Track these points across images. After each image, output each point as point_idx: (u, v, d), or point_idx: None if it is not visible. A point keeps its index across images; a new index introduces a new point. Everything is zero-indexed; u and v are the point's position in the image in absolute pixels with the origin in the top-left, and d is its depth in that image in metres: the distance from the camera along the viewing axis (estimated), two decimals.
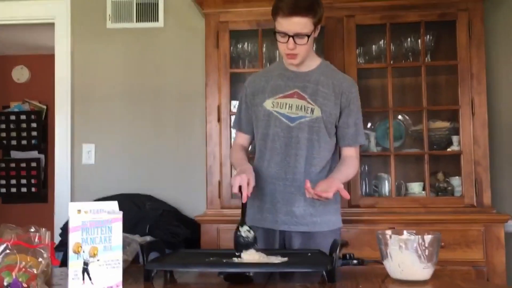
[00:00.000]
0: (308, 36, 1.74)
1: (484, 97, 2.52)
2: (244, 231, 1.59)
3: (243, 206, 1.65)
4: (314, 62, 1.89)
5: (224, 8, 2.64)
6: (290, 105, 1.83)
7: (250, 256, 1.44)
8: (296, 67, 1.86)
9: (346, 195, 1.67)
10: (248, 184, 1.68)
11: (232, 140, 2.64)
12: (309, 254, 1.53)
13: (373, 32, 2.70)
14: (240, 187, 1.67)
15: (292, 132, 1.83)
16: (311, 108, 1.82)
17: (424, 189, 2.60)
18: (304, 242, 1.82)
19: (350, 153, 1.90)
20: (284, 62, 1.90)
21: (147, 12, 3.05)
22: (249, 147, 2.02)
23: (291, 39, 1.73)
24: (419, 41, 2.63)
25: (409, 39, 2.68)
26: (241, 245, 1.55)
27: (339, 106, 1.84)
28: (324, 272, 1.28)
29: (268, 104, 1.86)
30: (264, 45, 2.70)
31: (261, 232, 1.85)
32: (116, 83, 3.08)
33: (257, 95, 1.90)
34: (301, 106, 1.83)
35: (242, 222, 1.62)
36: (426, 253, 1.27)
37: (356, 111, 1.88)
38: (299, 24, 1.71)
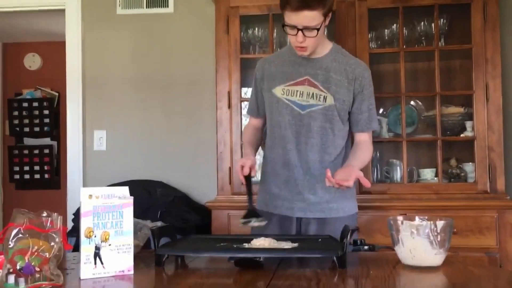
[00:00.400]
0: (318, 29, 1.69)
1: (499, 82, 2.47)
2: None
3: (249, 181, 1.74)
4: (326, 48, 1.84)
5: None
6: (301, 93, 1.81)
7: (260, 242, 1.44)
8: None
9: (366, 183, 1.64)
10: (243, 167, 1.73)
11: (243, 126, 2.64)
12: (320, 239, 1.52)
13: (385, 16, 2.66)
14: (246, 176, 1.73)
15: (304, 120, 1.81)
16: (324, 96, 1.80)
17: (436, 175, 2.57)
18: (321, 228, 1.82)
19: (364, 138, 1.87)
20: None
21: None
22: (263, 128, 2.01)
23: (300, 32, 1.69)
24: (433, 24, 2.58)
25: (422, 23, 2.63)
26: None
27: (352, 92, 1.81)
28: (335, 258, 1.27)
29: (279, 91, 1.84)
30: (275, 30, 2.67)
31: (277, 219, 1.86)
32: (127, 69, 3.08)
33: (268, 81, 1.88)
34: (313, 94, 1.80)
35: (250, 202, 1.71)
36: (438, 239, 1.26)
37: (369, 96, 1.85)
38: (308, 17, 1.66)
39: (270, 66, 1.90)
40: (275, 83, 1.85)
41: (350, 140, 1.91)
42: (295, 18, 1.67)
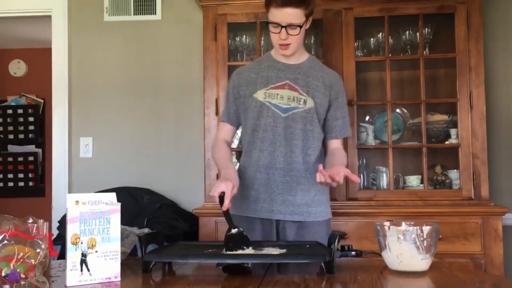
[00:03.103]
0: (300, 27, 1.77)
1: (482, 90, 2.52)
2: (236, 232, 1.49)
3: (227, 214, 1.56)
4: (303, 55, 1.93)
5: (222, 1, 2.62)
6: (282, 96, 1.86)
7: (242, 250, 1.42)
8: (286, 59, 1.89)
9: (356, 178, 1.66)
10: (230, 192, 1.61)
11: None
12: (308, 245, 1.53)
13: (371, 24, 2.70)
14: (221, 195, 1.59)
15: (285, 122, 1.85)
16: (304, 99, 1.85)
17: (422, 182, 2.60)
18: (299, 232, 1.85)
19: (338, 145, 1.94)
20: (273, 54, 1.94)
21: (144, 4, 3.03)
22: (232, 140, 2.02)
23: (283, 29, 1.77)
24: (418, 33, 2.62)
25: (407, 32, 2.67)
26: (234, 243, 1.45)
27: (329, 98, 1.89)
28: (322, 264, 1.28)
29: (260, 95, 1.88)
30: (262, 38, 2.69)
31: (257, 223, 1.87)
32: (114, 76, 3.07)
33: (247, 87, 1.91)
34: (293, 97, 1.86)
35: (232, 226, 1.51)
36: (425, 244, 1.27)
37: (343, 104, 1.93)
38: (292, 14, 1.74)
39: (250, 73, 1.93)
40: (256, 87, 1.89)
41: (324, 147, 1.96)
42: (279, 15, 1.75)
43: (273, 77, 1.88)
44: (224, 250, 1.42)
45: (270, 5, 1.76)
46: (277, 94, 1.86)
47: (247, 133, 1.93)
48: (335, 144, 1.93)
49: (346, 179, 1.70)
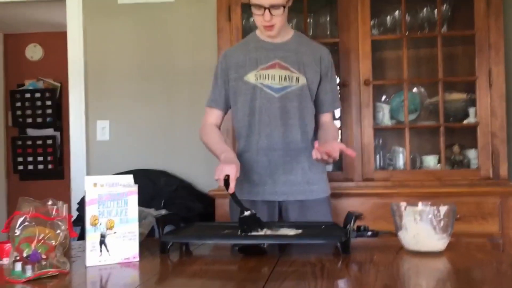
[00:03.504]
0: (284, 7, 1.76)
1: (502, 68, 2.46)
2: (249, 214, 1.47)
3: (234, 196, 1.56)
4: (288, 33, 1.92)
5: None
6: (273, 76, 1.85)
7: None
8: (272, 39, 1.88)
9: (352, 153, 1.66)
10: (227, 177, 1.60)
11: None
12: (323, 226, 1.53)
13: (387, 2, 2.64)
14: (225, 178, 1.58)
15: (280, 102, 1.85)
16: (296, 77, 1.85)
17: (439, 162, 2.57)
18: (301, 211, 1.86)
19: (329, 119, 1.95)
20: (258, 34, 1.92)
21: None
22: (220, 125, 2.00)
23: (267, 11, 1.75)
24: (435, 11, 2.56)
25: (425, 9, 2.61)
26: (248, 225, 1.44)
27: (319, 73, 1.89)
28: (338, 244, 1.28)
29: (251, 77, 1.86)
30: None
31: (261, 205, 1.87)
32: (129, 59, 3.07)
33: (236, 70, 1.89)
34: (285, 76, 1.85)
35: (244, 209, 1.49)
36: (441, 224, 1.27)
37: (332, 77, 1.94)
38: None
39: (238, 55, 1.91)
40: (246, 70, 1.87)
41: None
42: None
43: (262, 57, 1.86)
44: (239, 232, 1.43)
45: None
46: (268, 74, 1.85)
47: (241, 117, 1.91)
48: (326, 118, 1.95)
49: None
